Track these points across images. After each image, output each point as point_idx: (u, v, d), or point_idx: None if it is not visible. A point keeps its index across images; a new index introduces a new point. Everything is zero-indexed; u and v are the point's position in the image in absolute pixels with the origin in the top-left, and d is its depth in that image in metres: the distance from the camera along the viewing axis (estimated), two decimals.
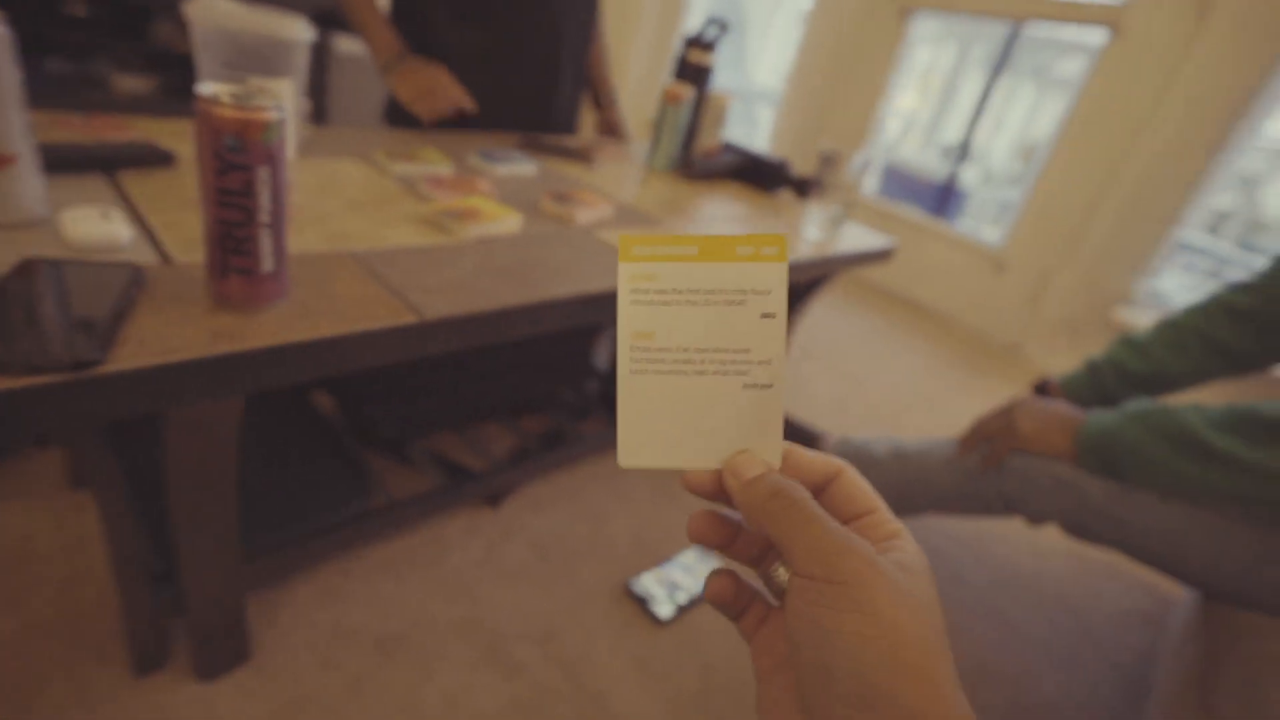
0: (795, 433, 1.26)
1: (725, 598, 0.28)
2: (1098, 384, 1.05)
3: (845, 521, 0.25)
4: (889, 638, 0.21)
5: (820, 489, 0.26)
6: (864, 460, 1.13)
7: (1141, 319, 2.07)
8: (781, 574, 0.26)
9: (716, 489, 0.27)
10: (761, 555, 0.28)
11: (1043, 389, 1.07)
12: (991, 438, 0.99)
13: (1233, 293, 0.98)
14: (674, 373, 0.26)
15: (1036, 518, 0.95)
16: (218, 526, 0.66)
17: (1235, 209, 2.31)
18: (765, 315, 0.26)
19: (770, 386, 0.26)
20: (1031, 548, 1.29)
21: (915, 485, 1.05)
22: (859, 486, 0.26)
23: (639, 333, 0.26)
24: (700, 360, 0.26)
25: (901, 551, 0.24)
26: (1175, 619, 1.06)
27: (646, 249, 0.26)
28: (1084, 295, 2.23)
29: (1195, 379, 0.98)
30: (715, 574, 0.28)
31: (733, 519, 0.28)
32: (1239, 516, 0.80)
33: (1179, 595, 1.21)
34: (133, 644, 0.73)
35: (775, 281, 0.26)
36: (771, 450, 0.27)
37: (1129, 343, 1.05)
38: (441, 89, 1.10)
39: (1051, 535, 1.33)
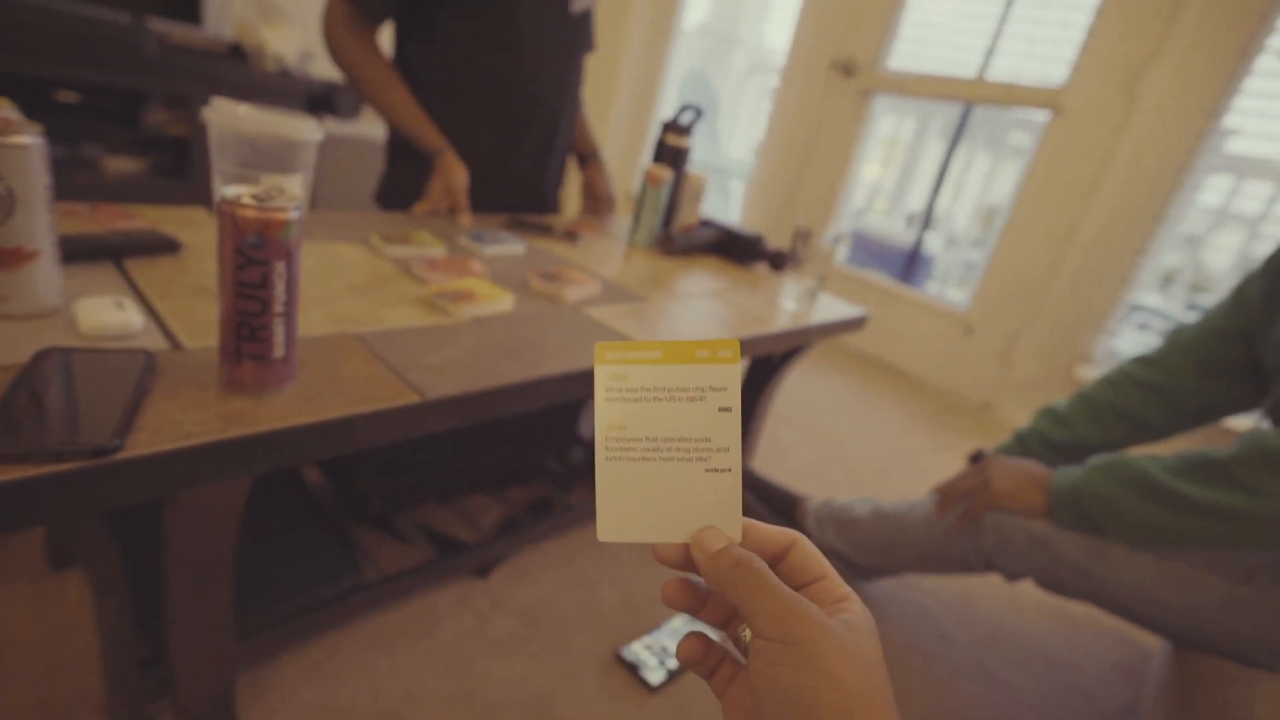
0: (776, 498, 1.29)
1: (696, 657, 0.31)
2: (1025, 454, 1.10)
3: (800, 586, 0.29)
4: (838, 692, 0.24)
5: (778, 558, 0.30)
6: (845, 521, 1.16)
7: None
8: (747, 635, 0.29)
9: (685, 560, 0.30)
10: (729, 618, 0.31)
11: (977, 459, 1.12)
12: (966, 496, 1.02)
13: (1137, 366, 1.06)
14: (644, 459, 0.30)
15: (1013, 574, 0.98)
16: (213, 609, 0.67)
17: (1181, 266, 2.45)
18: (722, 409, 0.30)
19: (729, 471, 0.30)
20: (1014, 604, 1.32)
21: (896, 544, 1.08)
22: (812, 555, 0.29)
23: (613, 425, 0.30)
24: (667, 449, 0.30)
25: (850, 613, 0.27)
26: (1153, 671, 1.08)
27: (618, 354, 0.30)
28: (1049, 355, 2.32)
29: (1113, 448, 1.03)
30: (687, 636, 0.31)
31: (702, 586, 0.31)
32: (1204, 564, 0.84)
33: (1156, 647, 1.23)
34: None
35: (730, 380, 0.30)
36: (732, 526, 0.30)
37: (1050, 413, 1.12)
38: (456, 194, 1.21)
39: (1032, 591, 1.35)
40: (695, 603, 0.31)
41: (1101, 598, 0.91)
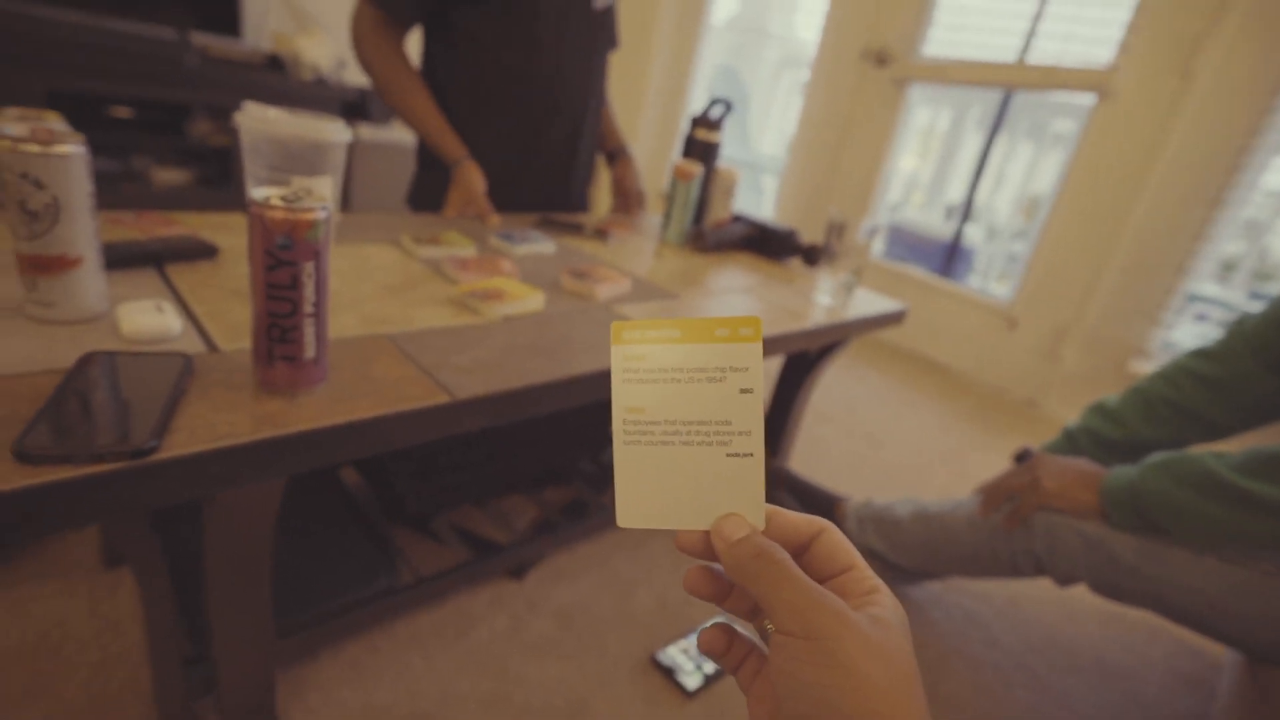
0: (815, 498, 1.26)
1: (718, 649, 0.30)
2: (1075, 452, 1.05)
3: (827, 578, 0.27)
4: (861, 689, 0.23)
5: (804, 547, 0.28)
6: (886, 522, 1.12)
7: None
8: (772, 627, 0.28)
9: (706, 549, 0.29)
10: (756, 609, 0.30)
11: (1023, 458, 1.07)
12: (1014, 495, 0.98)
13: (1195, 360, 1.00)
14: (663, 443, 0.29)
15: (1065, 579, 0.94)
16: (253, 606, 0.67)
17: (1243, 256, 2.33)
18: (744, 390, 0.29)
19: (751, 455, 0.29)
20: (1066, 610, 1.26)
21: (939, 546, 1.05)
22: (840, 545, 0.28)
23: (630, 408, 0.29)
24: (686, 432, 0.29)
25: (878, 606, 0.26)
26: (1225, 683, 1.03)
27: (635, 333, 0.29)
28: (1099, 349, 2.23)
29: (1170, 446, 0.97)
30: (709, 626, 0.30)
31: (725, 575, 0.30)
32: (1277, 570, 0.79)
33: (1225, 657, 1.17)
34: None
35: (751, 359, 0.28)
36: (755, 513, 0.29)
37: (1101, 410, 1.06)
38: (477, 204, 1.22)
39: (1085, 596, 1.30)
40: (719, 592, 0.30)
41: (1161, 604, 0.87)
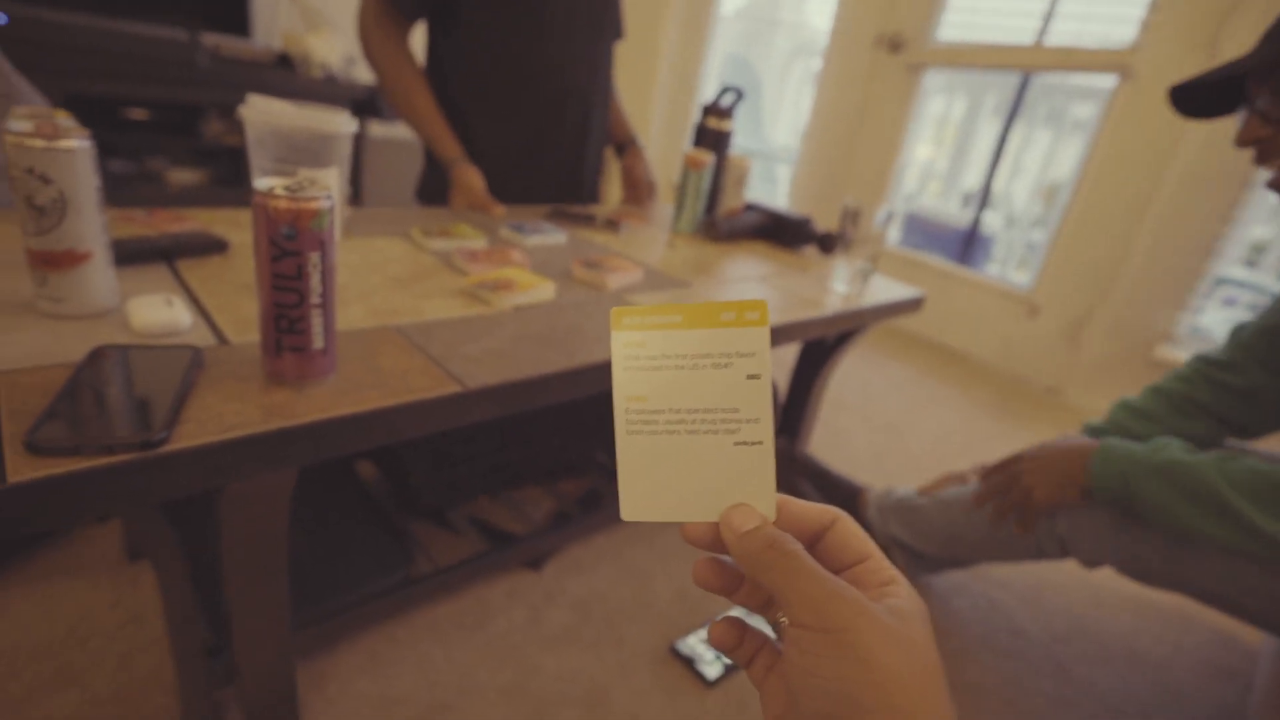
0: (837, 487, 1.24)
1: (729, 643, 0.29)
2: None
3: (842, 568, 0.26)
4: (881, 684, 0.22)
5: (817, 538, 0.27)
6: (908, 510, 1.11)
7: (1186, 357, 2.02)
8: (786, 620, 0.27)
9: (714, 541, 0.28)
10: (768, 602, 0.29)
11: None
12: (998, 494, 0.96)
13: (1210, 368, 0.97)
14: (667, 433, 0.28)
15: (1091, 561, 0.91)
16: (269, 596, 0.68)
17: (1272, 239, 2.27)
18: (751, 376, 0.27)
19: (760, 443, 0.28)
20: (1093, 598, 1.24)
21: (963, 532, 1.03)
22: (854, 535, 0.27)
23: (632, 396, 0.28)
24: (691, 420, 0.28)
25: (896, 597, 0.24)
26: (1261, 674, 1.00)
27: (636, 319, 0.28)
28: (1123, 335, 2.19)
29: (1204, 443, 0.93)
30: (719, 620, 0.29)
31: (735, 567, 0.29)
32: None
33: (1264, 648, 1.14)
34: (188, 717, 0.74)
35: (759, 344, 0.27)
36: (765, 503, 0.28)
37: (1128, 407, 1.03)
38: (479, 201, 1.22)
39: (1113, 583, 1.27)
40: (729, 584, 0.29)
41: (1193, 587, 0.84)
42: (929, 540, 1.07)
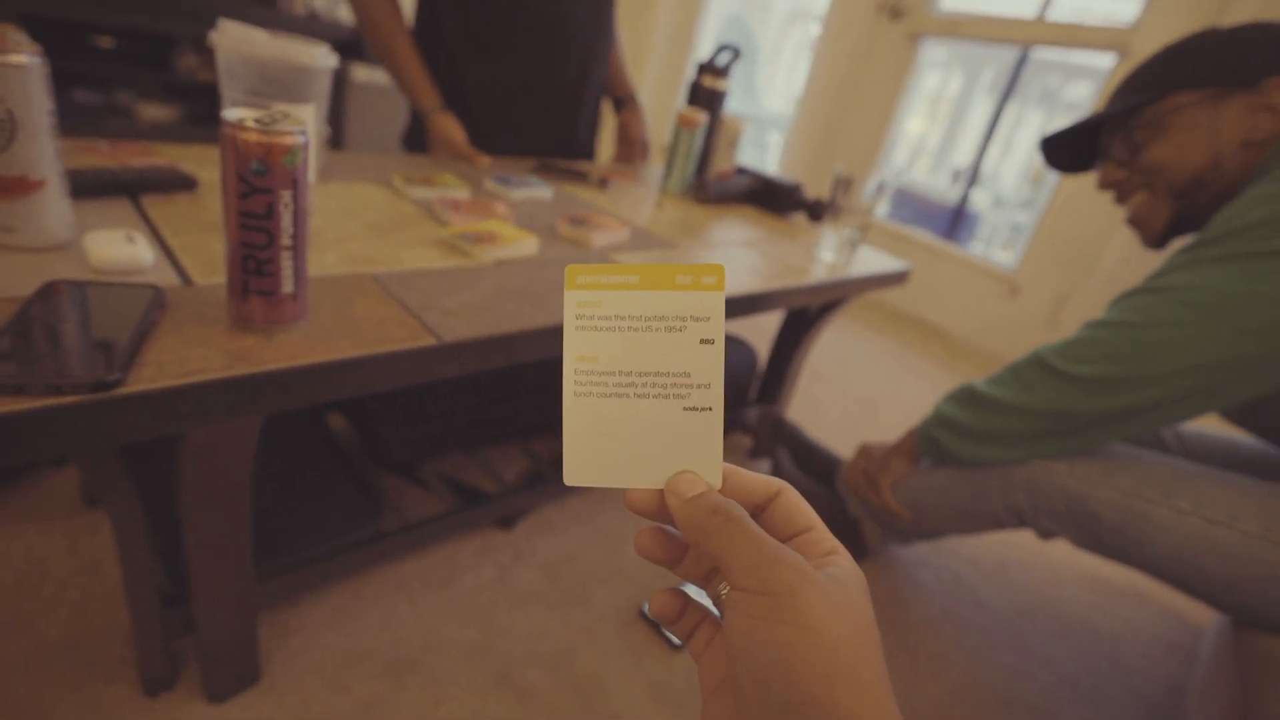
0: (816, 458, 1.25)
1: (670, 614, 0.29)
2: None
3: (784, 539, 0.26)
4: (822, 646, 0.22)
5: (761, 508, 0.27)
6: None
7: None
8: (726, 592, 0.27)
9: (659, 508, 0.28)
10: (710, 574, 0.29)
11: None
12: (857, 489, 1.07)
13: None
14: (616, 395, 0.27)
15: (1046, 532, 0.93)
16: (230, 547, 0.66)
17: None
18: (704, 341, 0.27)
19: (709, 410, 0.27)
20: (1054, 574, 1.27)
21: (928, 502, 1.03)
22: (798, 506, 0.27)
23: (583, 356, 0.27)
24: (641, 383, 0.27)
25: (836, 567, 0.25)
26: (1205, 649, 1.03)
27: (591, 278, 0.27)
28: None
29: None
30: (660, 591, 0.29)
31: (679, 537, 0.29)
32: (1260, 533, 0.78)
33: (1208, 623, 1.18)
34: (143, 666, 0.73)
35: (714, 309, 0.27)
36: (711, 471, 0.27)
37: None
38: (461, 151, 1.19)
39: (1074, 561, 1.30)
40: (672, 555, 0.29)
41: (1143, 563, 0.86)
42: (910, 499, 1.07)
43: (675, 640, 0.93)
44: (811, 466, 1.24)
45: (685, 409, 0.27)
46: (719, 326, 0.27)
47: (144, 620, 0.69)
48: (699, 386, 0.27)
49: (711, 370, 0.27)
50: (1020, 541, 1.34)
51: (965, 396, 0.94)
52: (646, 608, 0.97)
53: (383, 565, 0.95)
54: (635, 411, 0.27)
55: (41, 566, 0.84)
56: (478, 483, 1.03)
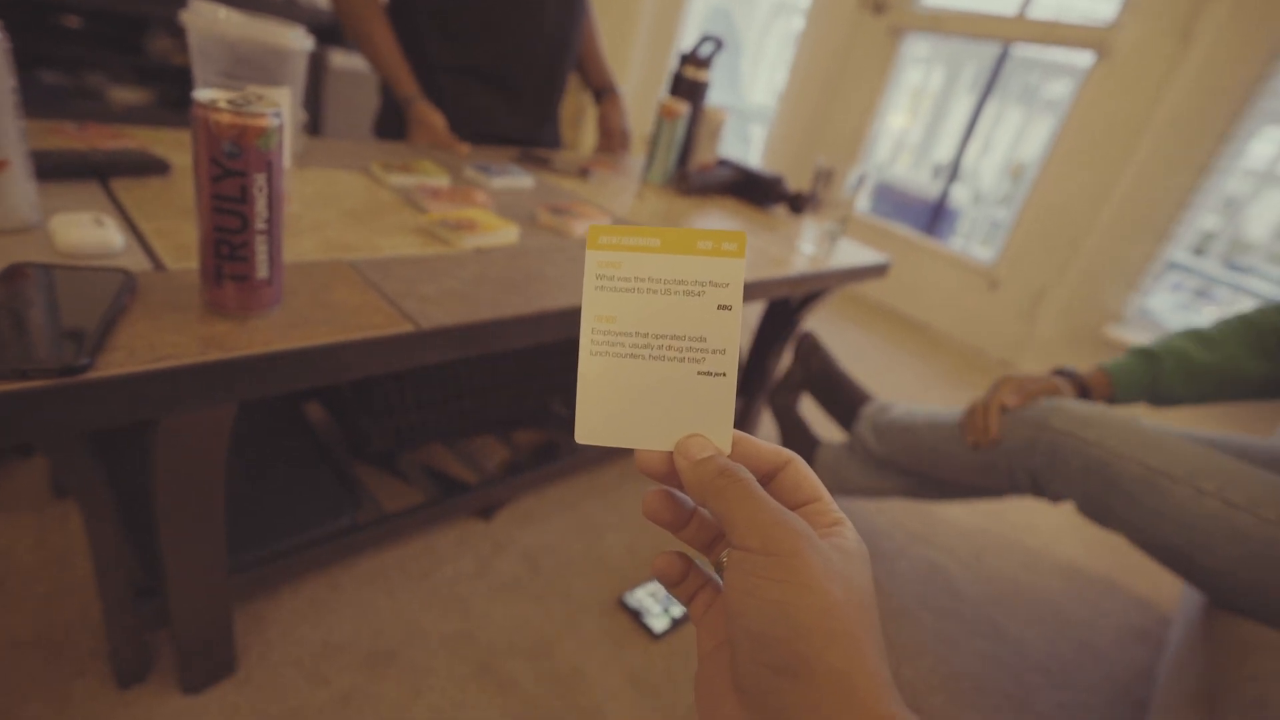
0: (844, 391, 1.25)
1: (672, 575, 0.29)
2: (1154, 374, 0.98)
3: (791, 508, 0.26)
4: (819, 606, 0.22)
5: (769, 477, 0.28)
6: (899, 427, 1.09)
7: (1132, 337, 2.08)
8: (728, 558, 0.27)
9: (668, 471, 0.28)
10: (713, 541, 0.29)
11: (1073, 378, 1.02)
12: (978, 414, 0.99)
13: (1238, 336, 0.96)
14: (631, 356, 0.28)
15: (1057, 496, 0.92)
16: (205, 537, 0.65)
17: (1219, 230, 2.33)
18: (722, 307, 0.27)
19: (723, 375, 0.27)
20: (1028, 562, 1.29)
21: (944, 451, 1.02)
22: (806, 477, 0.27)
23: (601, 316, 0.27)
24: (657, 346, 0.27)
25: (842, 538, 0.25)
26: (1174, 636, 1.05)
27: (613, 239, 0.27)
28: (1077, 312, 2.24)
29: (1272, 387, 0.92)
30: (664, 553, 0.29)
31: (686, 502, 0.29)
32: (1274, 518, 0.78)
33: (1176, 612, 1.21)
34: (115, 658, 0.71)
35: (733, 275, 0.27)
36: (722, 436, 0.28)
37: (1195, 334, 0.98)
38: (442, 139, 1.17)
39: (1048, 549, 1.33)
40: (678, 519, 0.29)
41: (1145, 534, 0.85)
42: (914, 456, 1.07)
43: (655, 630, 0.93)
44: (837, 402, 1.25)
45: (699, 373, 0.27)
46: (738, 293, 0.27)
47: (116, 612, 0.68)
48: (714, 352, 0.27)
49: (728, 336, 0.27)
50: (996, 530, 1.36)
51: (1202, 339, 0.95)
52: (627, 597, 0.97)
53: (361, 556, 0.94)
54: (649, 373, 0.27)
55: (7, 559, 0.82)
56: (458, 473, 1.02)
